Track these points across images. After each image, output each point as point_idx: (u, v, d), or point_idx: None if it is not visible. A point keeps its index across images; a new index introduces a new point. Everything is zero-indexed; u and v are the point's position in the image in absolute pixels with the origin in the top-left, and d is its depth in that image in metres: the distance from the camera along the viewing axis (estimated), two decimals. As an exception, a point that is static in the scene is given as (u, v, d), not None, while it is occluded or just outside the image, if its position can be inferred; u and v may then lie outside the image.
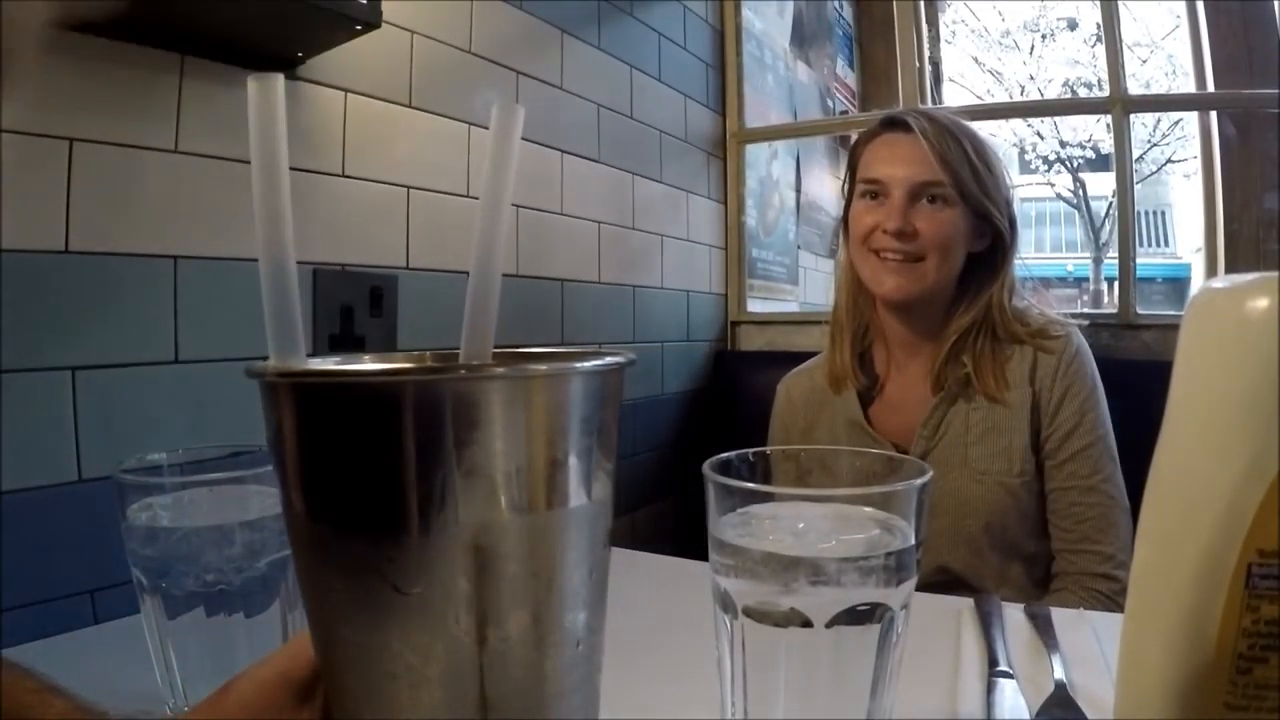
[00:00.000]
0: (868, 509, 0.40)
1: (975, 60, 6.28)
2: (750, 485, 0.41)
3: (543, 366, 0.26)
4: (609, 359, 0.27)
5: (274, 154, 0.26)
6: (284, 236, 0.27)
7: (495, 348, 0.31)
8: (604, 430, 0.28)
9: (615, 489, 0.29)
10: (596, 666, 0.29)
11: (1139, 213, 1.77)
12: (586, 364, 0.26)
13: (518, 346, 0.37)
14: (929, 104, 2.17)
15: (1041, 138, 6.80)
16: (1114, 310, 1.60)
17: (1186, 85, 2.66)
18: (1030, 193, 7.36)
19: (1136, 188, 1.73)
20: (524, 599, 0.26)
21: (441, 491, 0.24)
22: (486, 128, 0.29)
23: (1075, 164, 6.98)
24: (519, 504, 0.25)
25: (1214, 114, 1.92)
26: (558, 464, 0.26)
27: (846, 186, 1.14)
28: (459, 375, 0.25)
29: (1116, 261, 1.62)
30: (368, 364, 0.34)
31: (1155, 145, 6.31)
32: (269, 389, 0.26)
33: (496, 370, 0.25)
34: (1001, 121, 3.35)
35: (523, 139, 0.28)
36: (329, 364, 0.33)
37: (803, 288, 2.46)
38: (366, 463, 0.24)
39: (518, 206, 1.27)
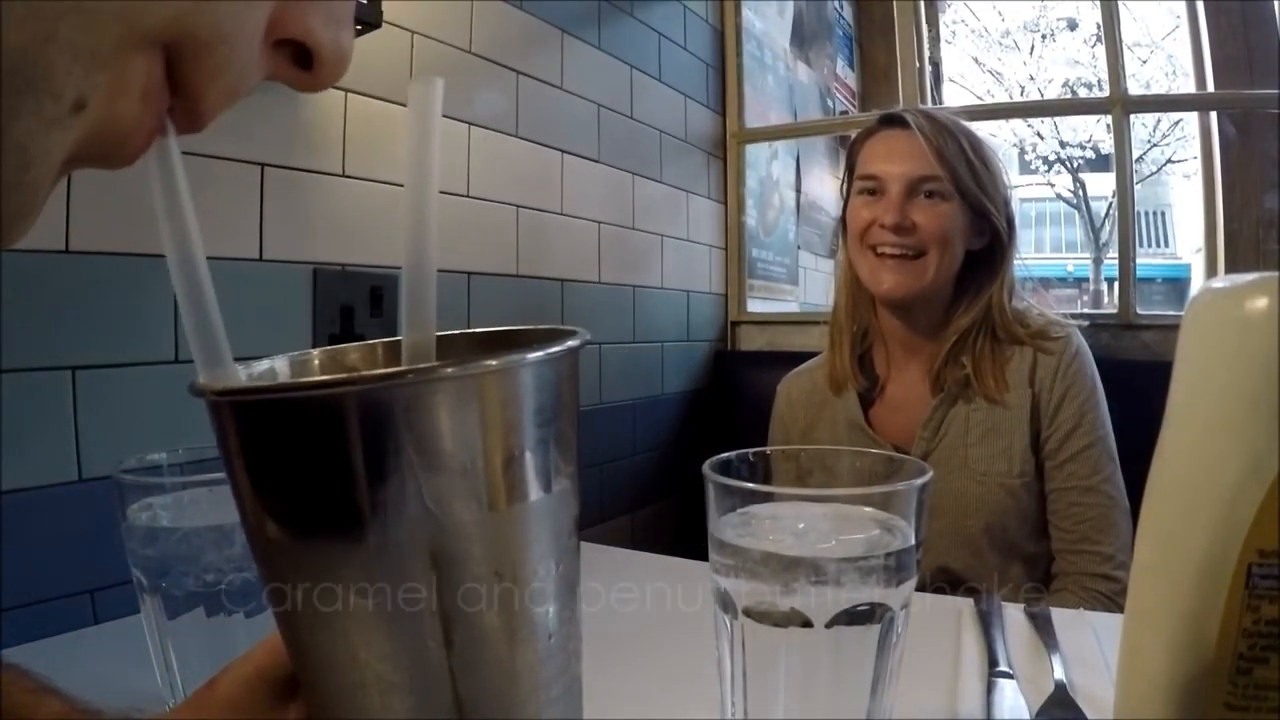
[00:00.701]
0: (868, 509, 0.40)
1: (975, 60, 6.28)
2: (750, 485, 0.41)
3: (494, 362, 0.24)
4: (559, 345, 0.26)
5: (165, 146, 0.25)
6: (189, 233, 0.25)
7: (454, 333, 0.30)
8: (561, 418, 0.26)
9: (579, 475, 0.28)
10: (574, 654, 0.29)
11: (1139, 213, 1.77)
12: (538, 354, 0.25)
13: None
14: (929, 104, 2.17)
15: (1041, 138, 6.81)
16: (1114, 310, 1.60)
17: (1186, 85, 2.66)
18: (1030, 193, 7.36)
19: (1136, 188, 1.73)
20: (488, 599, 0.25)
21: (391, 498, 0.23)
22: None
23: (1075, 164, 6.98)
24: (475, 504, 0.24)
25: (1214, 114, 1.92)
26: (513, 460, 0.25)
27: (845, 184, 1.15)
28: (402, 381, 0.23)
29: (1116, 262, 1.62)
30: (314, 356, 0.33)
31: (1155, 145, 6.31)
32: (211, 406, 0.25)
33: (444, 371, 0.24)
34: (1001, 122, 3.35)
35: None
36: (278, 362, 0.32)
37: (803, 288, 2.46)
38: (312, 474, 0.24)
39: (518, 206, 1.27)
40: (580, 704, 0.30)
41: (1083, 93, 6.20)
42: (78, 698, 0.35)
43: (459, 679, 0.25)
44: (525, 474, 0.25)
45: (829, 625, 0.37)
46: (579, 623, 0.29)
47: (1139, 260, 1.65)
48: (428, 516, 0.24)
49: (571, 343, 0.26)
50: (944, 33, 2.75)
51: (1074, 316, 1.11)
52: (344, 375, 0.29)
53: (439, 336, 0.28)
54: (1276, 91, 1.68)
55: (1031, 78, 6.40)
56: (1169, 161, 6.51)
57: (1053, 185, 7.15)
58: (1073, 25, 6.26)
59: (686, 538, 1.65)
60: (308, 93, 0.25)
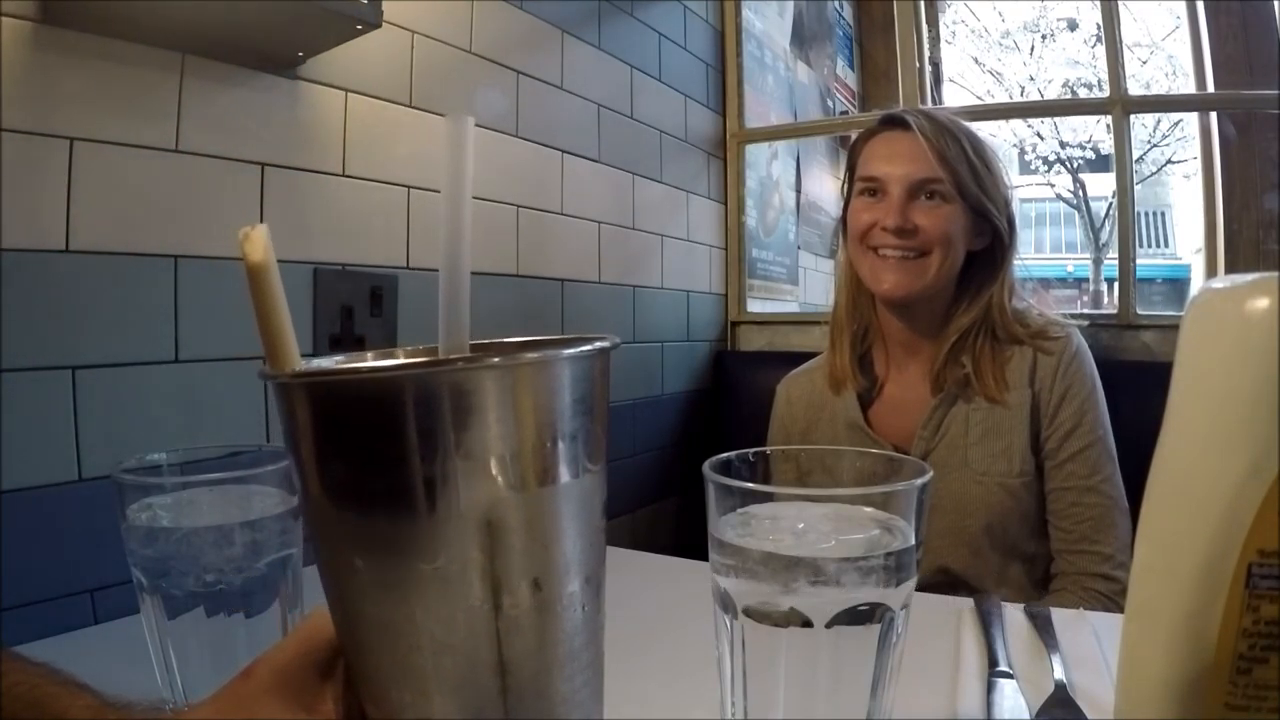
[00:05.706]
0: (868, 509, 0.40)
1: (975, 60, 6.27)
2: (750, 485, 0.41)
3: (534, 355, 0.28)
4: (593, 345, 0.29)
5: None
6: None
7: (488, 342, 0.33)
8: (595, 409, 0.30)
9: (607, 461, 0.32)
10: (600, 626, 0.32)
11: (1139, 213, 1.77)
12: (573, 350, 0.28)
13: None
14: (929, 104, 2.17)
15: (1041, 138, 6.80)
16: (1114, 311, 1.60)
17: (1186, 85, 2.67)
18: (1030, 193, 7.36)
19: (1136, 188, 1.73)
20: (532, 568, 0.28)
21: (448, 473, 0.26)
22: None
23: (1075, 164, 6.97)
24: (521, 482, 0.27)
25: (1214, 114, 1.92)
26: (554, 443, 0.28)
27: (846, 185, 1.15)
28: (457, 368, 0.26)
29: (1116, 262, 1.62)
30: (369, 358, 0.36)
31: (1155, 146, 6.31)
32: (282, 389, 0.28)
33: (492, 361, 0.27)
34: (1001, 122, 3.35)
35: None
36: (332, 361, 0.34)
37: (803, 288, 2.46)
38: (376, 451, 0.26)
39: (518, 206, 1.27)
40: (602, 675, 0.32)
41: (1083, 93, 6.19)
42: (107, 693, 0.36)
43: (504, 642, 0.28)
44: (565, 457, 0.28)
45: (829, 625, 0.37)
46: (604, 598, 0.32)
47: (1139, 260, 1.65)
48: (480, 489, 0.26)
49: (602, 344, 0.30)
50: (944, 33, 2.74)
51: (1074, 317, 1.11)
52: (402, 361, 0.33)
53: (477, 344, 0.32)
54: (1276, 92, 1.68)
55: (1031, 78, 6.40)
56: (1169, 162, 6.50)
57: (1053, 185, 7.14)
58: (1073, 25, 6.25)
59: (686, 538, 1.65)
60: None
